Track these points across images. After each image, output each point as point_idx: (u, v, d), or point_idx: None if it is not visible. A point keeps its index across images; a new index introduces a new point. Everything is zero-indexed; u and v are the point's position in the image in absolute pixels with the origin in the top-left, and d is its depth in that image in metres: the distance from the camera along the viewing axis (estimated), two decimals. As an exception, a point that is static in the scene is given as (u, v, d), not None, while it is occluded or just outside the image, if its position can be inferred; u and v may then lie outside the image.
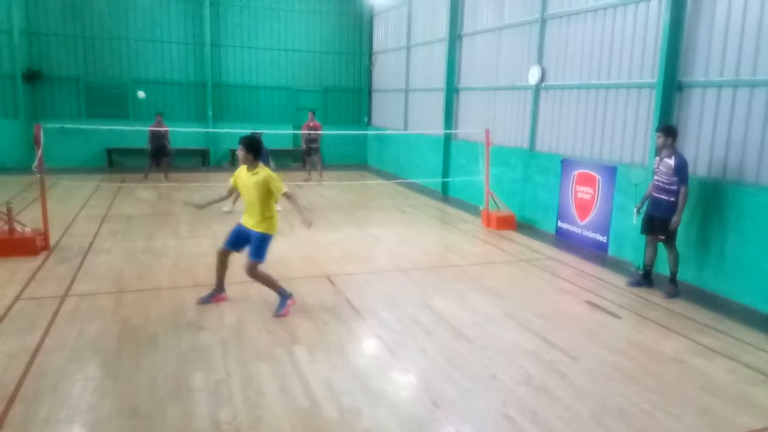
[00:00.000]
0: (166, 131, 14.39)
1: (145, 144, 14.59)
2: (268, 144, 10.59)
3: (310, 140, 15.14)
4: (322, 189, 14.13)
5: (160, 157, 14.62)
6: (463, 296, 6.64)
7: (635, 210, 7.21)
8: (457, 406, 4.21)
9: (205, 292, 6.23)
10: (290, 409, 4.06)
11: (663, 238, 6.81)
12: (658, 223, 6.82)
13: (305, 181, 15.09)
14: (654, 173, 6.91)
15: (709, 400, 4.41)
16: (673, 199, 6.64)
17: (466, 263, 8.07)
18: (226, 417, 3.92)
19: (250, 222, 5.83)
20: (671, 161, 6.61)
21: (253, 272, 5.86)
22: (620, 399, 4.36)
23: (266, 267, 7.41)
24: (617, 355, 5.15)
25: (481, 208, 10.88)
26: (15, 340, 5.03)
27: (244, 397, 4.19)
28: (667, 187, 6.68)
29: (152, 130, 14.10)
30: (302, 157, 16.23)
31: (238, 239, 5.96)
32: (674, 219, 6.62)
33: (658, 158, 6.84)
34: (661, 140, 6.73)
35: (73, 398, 4.11)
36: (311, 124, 15.18)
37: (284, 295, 6.00)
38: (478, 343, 5.34)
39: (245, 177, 5.77)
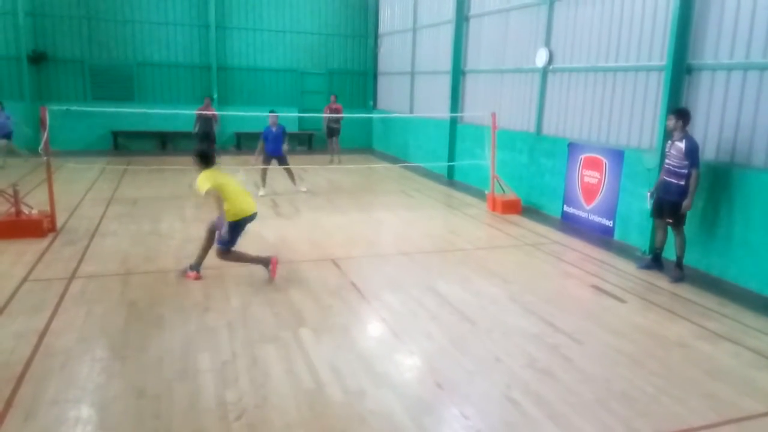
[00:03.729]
0: (214, 115, 13.96)
1: (192, 127, 14.19)
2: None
3: (333, 120, 15.63)
4: (327, 172, 14.11)
5: (206, 141, 14.01)
6: (468, 280, 6.64)
7: (648, 195, 7.15)
8: (461, 388, 4.23)
9: (205, 275, 6.26)
10: (295, 390, 4.10)
11: (671, 221, 6.78)
12: (667, 206, 6.78)
13: (330, 163, 15.59)
14: (665, 156, 6.85)
15: (713, 384, 4.41)
16: (683, 182, 6.59)
17: (471, 247, 8.07)
18: (232, 397, 3.96)
19: None
20: (682, 144, 6.56)
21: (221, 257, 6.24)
22: (624, 382, 4.37)
23: (273, 250, 7.44)
24: (622, 339, 5.15)
25: (486, 192, 10.84)
26: (23, 321, 5.08)
27: (250, 378, 4.22)
28: (677, 170, 6.63)
29: (199, 114, 13.72)
30: (326, 139, 16.44)
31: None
32: (685, 203, 6.58)
33: (669, 142, 6.79)
34: (672, 123, 6.68)
35: (81, 379, 4.15)
36: (333, 107, 15.78)
37: (264, 263, 6.30)
38: (482, 326, 5.35)
39: None
